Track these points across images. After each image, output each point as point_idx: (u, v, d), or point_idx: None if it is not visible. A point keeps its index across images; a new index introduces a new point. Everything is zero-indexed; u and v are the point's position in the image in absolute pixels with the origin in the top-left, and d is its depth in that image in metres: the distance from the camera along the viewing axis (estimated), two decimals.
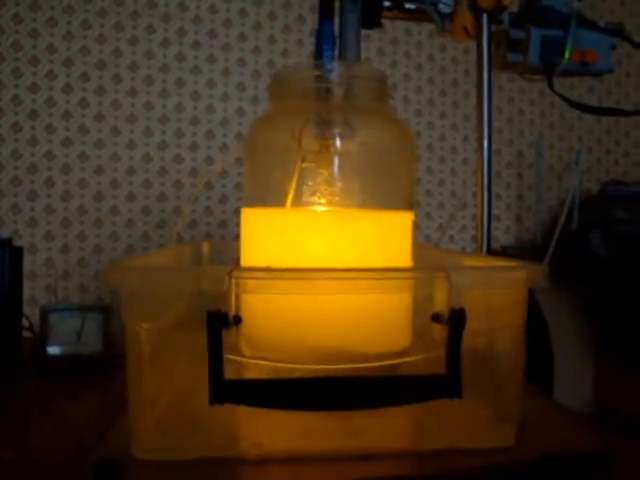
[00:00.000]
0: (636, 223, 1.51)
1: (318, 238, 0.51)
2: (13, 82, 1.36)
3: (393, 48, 1.60)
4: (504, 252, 1.62)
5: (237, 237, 1.60)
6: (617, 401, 1.50)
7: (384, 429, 0.42)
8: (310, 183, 0.54)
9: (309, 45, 1.53)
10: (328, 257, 0.50)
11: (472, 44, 0.60)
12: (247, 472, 0.38)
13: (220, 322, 0.34)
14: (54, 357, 0.75)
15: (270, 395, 0.35)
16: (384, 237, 0.52)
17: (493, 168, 0.62)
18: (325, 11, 0.55)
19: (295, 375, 0.41)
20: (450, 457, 0.41)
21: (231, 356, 0.35)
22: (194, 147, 1.47)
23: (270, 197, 0.55)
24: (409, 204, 0.55)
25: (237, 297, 0.35)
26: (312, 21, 1.54)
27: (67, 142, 1.39)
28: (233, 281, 0.34)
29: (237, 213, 1.48)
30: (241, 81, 1.50)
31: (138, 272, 0.37)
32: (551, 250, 0.73)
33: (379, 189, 0.54)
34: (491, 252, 0.68)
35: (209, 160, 1.48)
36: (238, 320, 0.34)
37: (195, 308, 0.39)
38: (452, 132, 1.65)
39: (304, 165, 0.53)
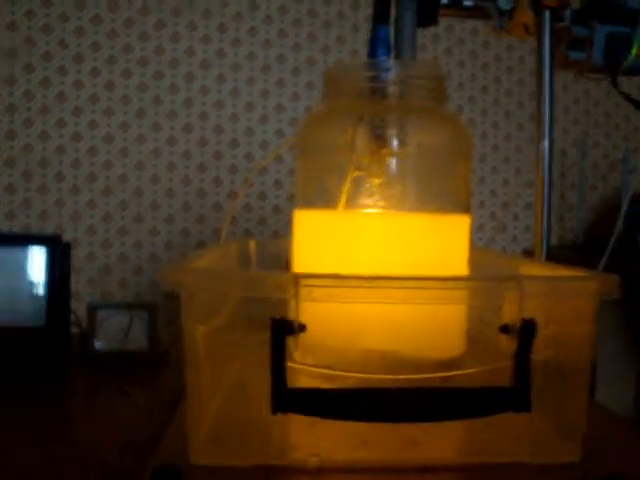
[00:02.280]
0: None
1: (373, 241, 0.50)
2: (59, 79, 1.38)
3: (460, 48, 1.58)
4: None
5: (277, 234, 1.59)
6: None
7: (444, 440, 0.41)
8: (367, 185, 0.52)
9: (351, 42, 1.52)
10: (383, 260, 0.49)
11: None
12: None
13: (285, 330, 0.33)
14: (101, 352, 0.76)
15: (332, 405, 0.34)
16: (441, 240, 0.50)
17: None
18: (380, 13, 0.54)
19: (351, 383, 0.40)
20: (512, 472, 0.39)
21: (292, 364, 0.35)
22: (234, 144, 1.47)
23: (323, 198, 0.54)
24: (466, 207, 0.53)
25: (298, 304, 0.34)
26: (353, 17, 1.52)
27: (109, 138, 1.41)
28: (299, 288, 0.33)
29: (276, 210, 1.49)
30: (281, 77, 1.49)
31: (200, 274, 0.36)
32: (607, 254, 0.70)
33: (436, 192, 0.53)
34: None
35: (249, 157, 1.48)
36: (302, 328, 0.34)
37: (250, 311, 0.38)
38: (518, 132, 1.62)
39: (356, 174, 0.52)
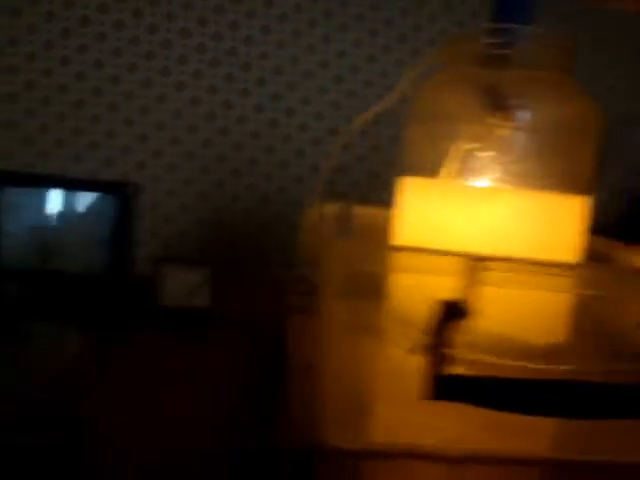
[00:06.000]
0: None
1: (481, 216, 0.49)
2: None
3: None
4: None
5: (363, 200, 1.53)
6: None
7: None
8: (479, 158, 0.51)
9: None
10: (489, 237, 0.48)
11: None
12: (449, 470, 0.35)
13: (454, 314, 0.32)
14: (166, 308, 0.76)
15: (490, 395, 0.34)
16: (549, 221, 0.49)
17: None
18: None
19: (510, 374, 0.38)
20: None
21: (449, 350, 0.34)
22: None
23: (431, 169, 0.53)
24: (585, 190, 0.52)
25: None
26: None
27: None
28: (475, 271, 0.32)
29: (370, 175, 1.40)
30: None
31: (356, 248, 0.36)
32: None
33: (553, 171, 0.51)
34: None
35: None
36: (473, 313, 0.33)
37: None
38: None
39: (471, 147, 0.51)
